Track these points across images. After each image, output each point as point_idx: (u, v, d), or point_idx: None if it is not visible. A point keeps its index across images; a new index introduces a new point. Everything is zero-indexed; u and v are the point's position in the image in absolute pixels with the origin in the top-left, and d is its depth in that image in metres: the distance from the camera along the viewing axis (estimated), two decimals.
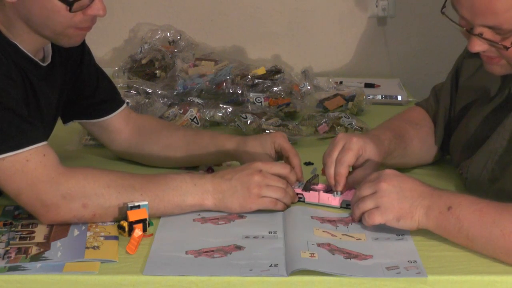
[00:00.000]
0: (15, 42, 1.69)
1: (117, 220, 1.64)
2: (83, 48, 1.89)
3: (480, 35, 1.59)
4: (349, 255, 1.52)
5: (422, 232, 1.61)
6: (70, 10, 1.63)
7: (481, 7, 1.54)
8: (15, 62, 1.68)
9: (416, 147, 1.94)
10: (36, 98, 1.73)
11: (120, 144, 2.02)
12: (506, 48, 1.58)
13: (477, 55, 1.67)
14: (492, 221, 1.50)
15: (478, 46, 1.61)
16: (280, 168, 1.75)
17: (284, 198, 1.71)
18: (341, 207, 1.74)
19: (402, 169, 1.74)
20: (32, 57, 1.72)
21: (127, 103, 2.15)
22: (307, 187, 1.78)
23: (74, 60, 1.87)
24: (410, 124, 1.96)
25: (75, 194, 1.61)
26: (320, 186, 1.81)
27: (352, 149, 1.75)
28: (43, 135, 1.65)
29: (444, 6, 1.65)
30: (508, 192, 1.62)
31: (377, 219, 1.59)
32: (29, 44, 1.71)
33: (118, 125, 1.99)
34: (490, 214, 1.51)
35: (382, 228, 1.63)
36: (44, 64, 1.76)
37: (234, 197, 1.69)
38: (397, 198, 1.58)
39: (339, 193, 1.74)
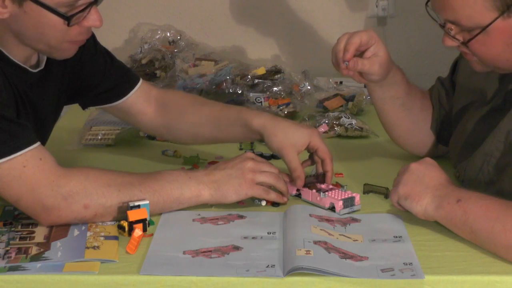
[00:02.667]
0: (1, 49, 1.66)
1: (116, 220, 1.64)
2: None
3: (449, 31, 1.66)
4: (345, 255, 1.52)
5: (422, 232, 1.62)
6: (68, 25, 1.60)
7: (441, 2, 1.64)
8: (0, 68, 1.65)
9: (417, 106, 1.99)
10: (24, 105, 1.71)
11: (147, 125, 2.00)
12: (464, 43, 1.65)
13: None
14: (496, 217, 1.52)
15: (448, 41, 1.69)
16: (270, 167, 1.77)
17: (277, 183, 1.74)
18: (328, 208, 1.75)
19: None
20: (21, 64, 1.69)
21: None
22: (306, 184, 1.81)
23: (72, 58, 1.83)
24: (421, 90, 2.04)
25: (77, 195, 1.61)
26: (324, 186, 1.81)
27: (366, 31, 1.83)
28: (35, 136, 1.63)
29: (429, 0, 1.71)
30: (505, 195, 1.62)
31: (393, 197, 1.67)
32: (18, 53, 1.68)
33: (139, 105, 1.96)
34: (495, 210, 1.53)
35: (379, 230, 1.63)
36: (35, 71, 1.73)
37: (229, 184, 1.69)
38: (414, 179, 1.64)
39: (326, 194, 1.75)
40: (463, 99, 1.92)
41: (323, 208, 1.75)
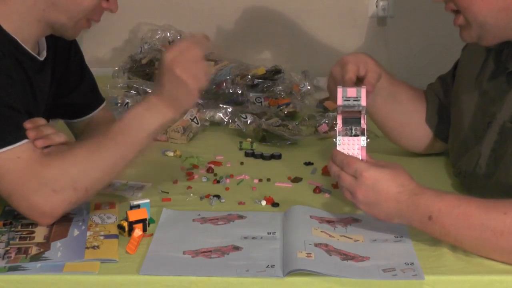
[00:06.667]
0: (16, 38, 1.70)
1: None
2: (70, 46, 1.90)
3: None
4: (346, 256, 1.52)
5: (421, 232, 1.61)
6: None
7: None
8: (16, 57, 1.70)
9: (404, 96, 1.96)
10: (33, 91, 1.75)
11: None
12: None
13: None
14: (480, 224, 1.49)
15: None
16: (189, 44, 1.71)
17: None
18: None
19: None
20: (31, 52, 1.74)
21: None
22: (348, 121, 1.68)
23: (62, 56, 1.88)
24: (407, 84, 2.01)
25: (64, 183, 1.61)
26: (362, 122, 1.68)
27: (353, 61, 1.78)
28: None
29: None
30: (503, 186, 1.62)
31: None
32: (26, 37, 1.72)
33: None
34: (476, 216, 1.50)
35: (380, 230, 1.63)
36: (41, 59, 1.78)
37: (179, 93, 1.66)
38: (372, 210, 1.57)
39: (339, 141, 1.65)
40: (460, 90, 1.91)
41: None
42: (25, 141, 1.61)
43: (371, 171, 1.57)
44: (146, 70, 2.71)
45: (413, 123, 1.99)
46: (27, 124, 1.65)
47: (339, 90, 1.68)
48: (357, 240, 1.60)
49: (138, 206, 1.63)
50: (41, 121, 1.69)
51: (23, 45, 1.72)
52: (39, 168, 1.61)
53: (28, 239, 1.59)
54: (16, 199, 1.61)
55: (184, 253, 1.54)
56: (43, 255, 1.52)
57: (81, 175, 1.62)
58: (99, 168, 1.64)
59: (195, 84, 1.67)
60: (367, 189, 1.56)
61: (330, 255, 1.52)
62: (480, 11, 1.65)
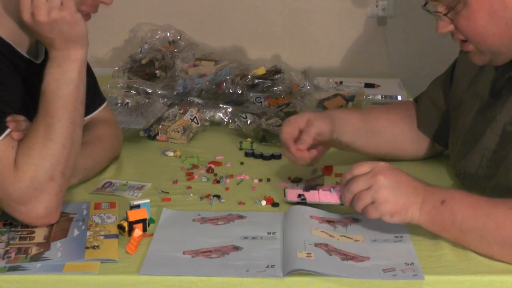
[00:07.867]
0: (10, 42, 1.70)
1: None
2: None
3: (439, 15, 1.67)
4: (346, 256, 1.52)
5: (422, 232, 1.61)
6: None
7: None
8: (11, 61, 1.69)
9: (383, 124, 1.97)
10: (31, 94, 1.73)
11: None
12: (451, 20, 1.66)
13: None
14: (486, 214, 1.51)
15: (442, 27, 1.69)
16: None
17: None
18: (341, 204, 1.71)
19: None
20: (26, 55, 1.73)
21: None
22: (307, 187, 1.78)
23: None
24: (381, 108, 2.01)
25: (41, 178, 1.60)
26: (326, 186, 1.77)
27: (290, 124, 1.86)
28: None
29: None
30: (504, 188, 1.62)
31: (373, 214, 1.58)
32: (21, 40, 1.71)
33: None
34: (484, 207, 1.52)
35: (380, 230, 1.63)
36: (38, 62, 1.77)
37: (66, 33, 1.65)
38: (393, 194, 1.57)
39: (334, 190, 1.71)
40: (459, 92, 1.91)
41: (336, 204, 1.71)
42: (4, 133, 1.61)
43: (385, 162, 1.61)
44: (146, 70, 2.71)
45: (403, 142, 1.99)
46: (7, 118, 1.64)
47: (288, 192, 1.78)
48: (357, 240, 1.60)
49: (138, 206, 1.63)
50: (20, 117, 1.67)
51: (17, 49, 1.71)
52: (15, 172, 1.60)
53: (28, 239, 1.59)
54: (10, 210, 1.62)
55: (184, 253, 1.54)
56: (43, 255, 1.52)
57: (50, 163, 1.61)
58: (59, 147, 1.62)
59: (65, 13, 1.64)
60: (389, 172, 1.58)
61: (330, 255, 1.52)
62: (493, 43, 1.66)
